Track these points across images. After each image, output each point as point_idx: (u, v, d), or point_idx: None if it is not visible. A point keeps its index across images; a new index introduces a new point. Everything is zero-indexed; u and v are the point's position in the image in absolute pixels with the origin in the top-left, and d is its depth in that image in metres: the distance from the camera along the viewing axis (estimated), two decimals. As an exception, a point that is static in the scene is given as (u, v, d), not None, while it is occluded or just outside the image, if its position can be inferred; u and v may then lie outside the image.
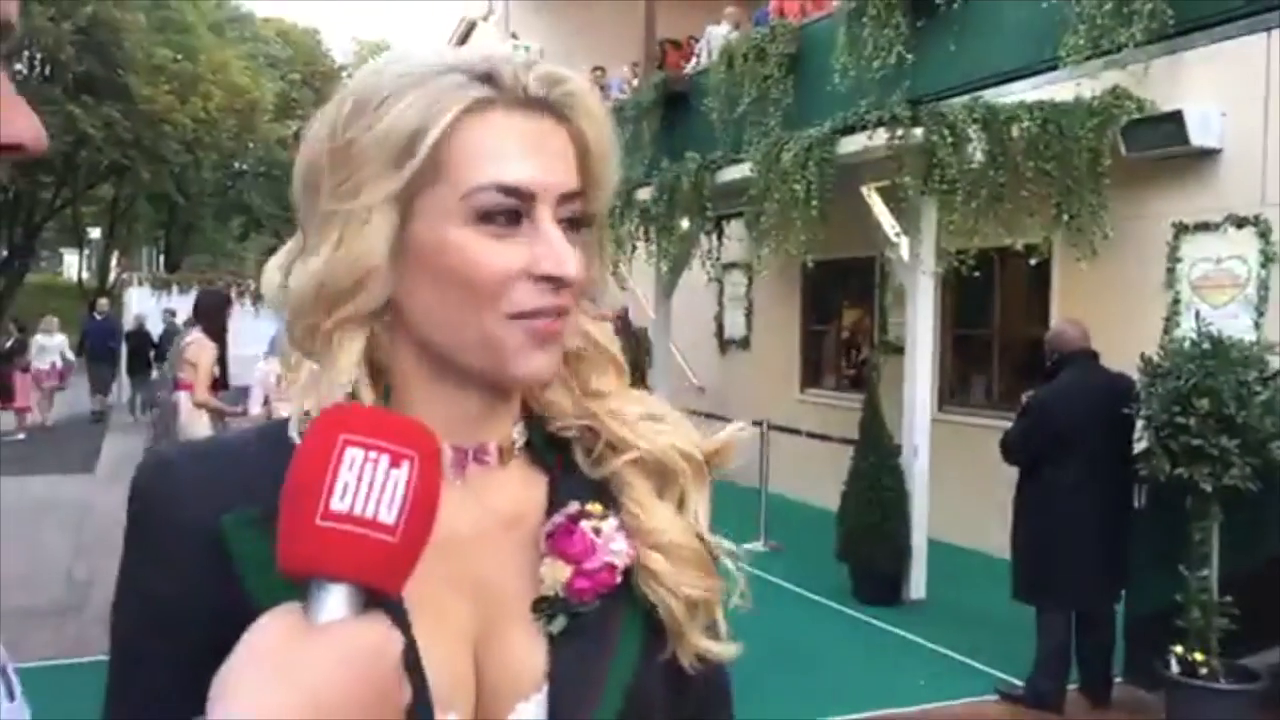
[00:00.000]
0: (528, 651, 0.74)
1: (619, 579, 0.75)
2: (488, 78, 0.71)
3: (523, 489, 0.78)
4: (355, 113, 0.71)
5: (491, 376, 0.73)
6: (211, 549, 0.68)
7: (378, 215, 0.70)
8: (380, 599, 0.58)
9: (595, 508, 0.76)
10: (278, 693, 0.52)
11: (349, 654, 0.54)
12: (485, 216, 0.70)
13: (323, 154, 0.72)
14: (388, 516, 0.56)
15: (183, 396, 6.24)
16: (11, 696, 0.55)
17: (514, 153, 0.71)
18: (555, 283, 0.71)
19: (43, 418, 15.29)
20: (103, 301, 18.61)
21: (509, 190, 0.70)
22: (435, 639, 0.71)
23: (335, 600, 0.56)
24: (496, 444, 0.77)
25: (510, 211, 0.71)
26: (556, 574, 0.74)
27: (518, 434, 0.79)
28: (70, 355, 15.94)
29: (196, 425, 6.08)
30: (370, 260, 0.70)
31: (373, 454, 0.57)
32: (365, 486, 0.56)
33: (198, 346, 6.18)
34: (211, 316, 6.46)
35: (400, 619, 0.68)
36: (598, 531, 0.75)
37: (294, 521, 0.56)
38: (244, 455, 0.74)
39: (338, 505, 0.55)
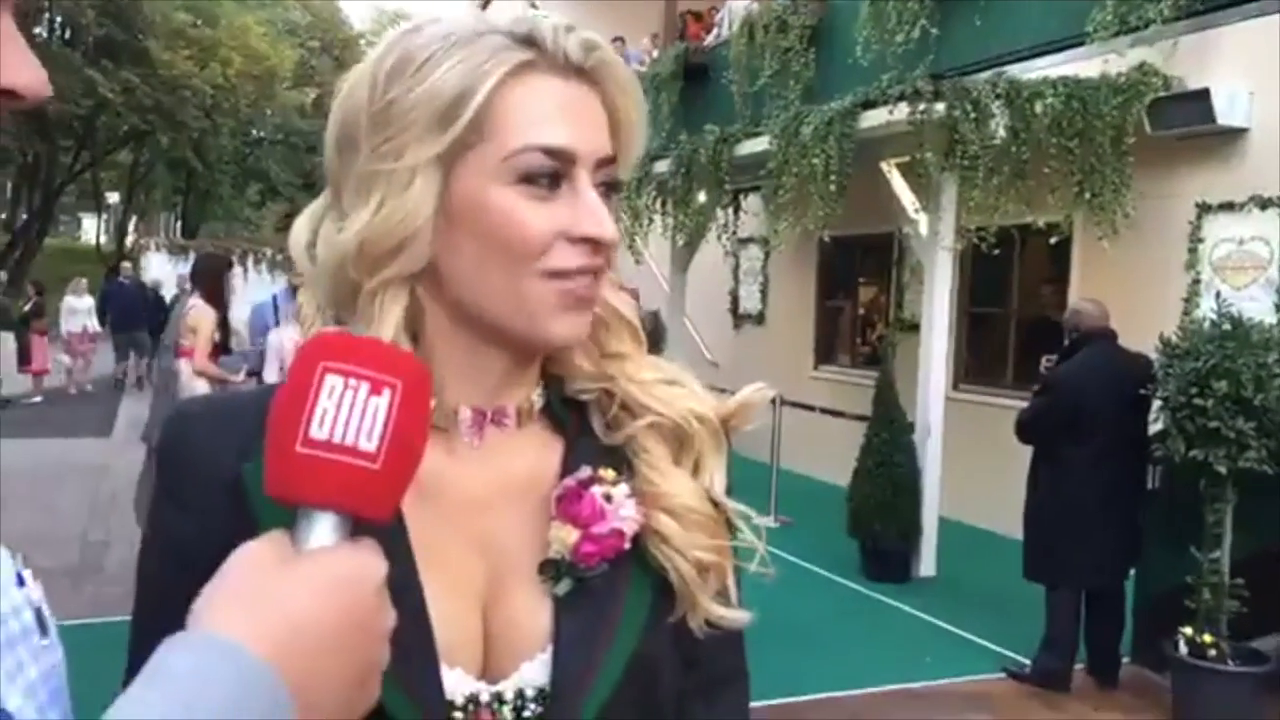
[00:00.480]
0: (533, 612, 0.74)
1: (628, 545, 0.75)
2: (529, 40, 0.72)
3: (539, 452, 0.79)
4: (396, 73, 0.71)
5: (524, 337, 0.74)
6: (234, 495, 0.70)
7: (421, 177, 0.70)
8: (369, 528, 0.58)
9: (608, 473, 0.77)
10: (250, 615, 0.52)
11: (325, 580, 0.55)
12: (527, 178, 0.71)
13: (361, 113, 0.72)
14: (368, 444, 0.56)
15: (183, 363, 6.22)
16: (45, 633, 0.57)
17: (556, 116, 0.71)
18: (594, 244, 0.72)
19: (74, 382, 15.01)
20: (125, 264, 18.46)
21: (552, 153, 0.71)
22: (446, 596, 0.72)
23: (321, 528, 0.57)
24: (515, 406, 0.78)
25: (552, 174, 0.72)
26: (564, 537, 0.75)
27: (536, 397, 0.80)
28: (94, 322, 15.50)
29: (197, 392, 6.06)
30: (414, 222, 0.71)
31: (352, 381, 0.56)
32: (345, 414, 0.56)
33: (198, 312, 6.15)
34: (210, 281, 6.41)
35: (410, 573, 0.70)
36: (609, 498, 0.76)
37: (276, 449, 0.57)
38: (265, 406, 0.75)
39: (317, 433, 0.56)
